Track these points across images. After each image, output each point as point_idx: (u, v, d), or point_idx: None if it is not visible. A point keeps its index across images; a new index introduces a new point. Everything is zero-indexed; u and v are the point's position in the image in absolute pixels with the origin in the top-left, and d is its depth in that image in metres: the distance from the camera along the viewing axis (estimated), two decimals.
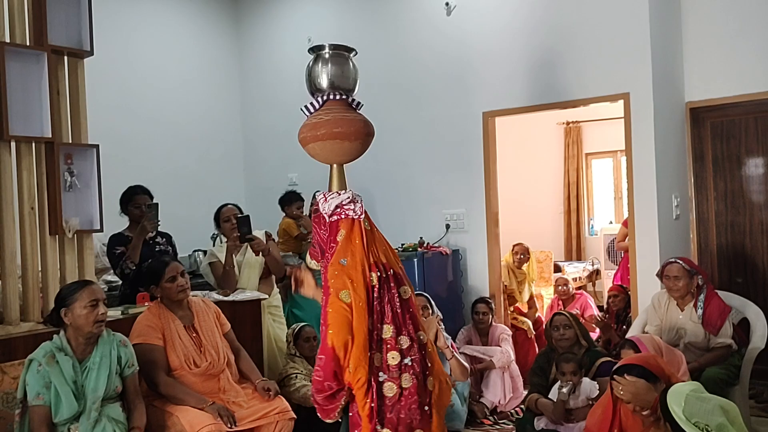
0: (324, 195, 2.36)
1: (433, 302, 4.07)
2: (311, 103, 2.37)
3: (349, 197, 2.34)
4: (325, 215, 2.32)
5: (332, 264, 2.24)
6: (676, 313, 3.71)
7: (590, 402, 3.23)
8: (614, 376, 2.59)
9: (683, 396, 2.28)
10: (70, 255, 3.26)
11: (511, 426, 4.16)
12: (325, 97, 2.36)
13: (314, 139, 2.32)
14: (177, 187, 5.51)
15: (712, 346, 3.56)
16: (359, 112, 2.43)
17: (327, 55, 2.39)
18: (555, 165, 8.49)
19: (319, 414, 2.26)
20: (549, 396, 3.41)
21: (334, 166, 2.43)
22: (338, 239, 2.28)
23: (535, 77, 4.75)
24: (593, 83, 4.52)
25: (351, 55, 2.45)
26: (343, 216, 2.32)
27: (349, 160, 2.42)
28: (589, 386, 3.32)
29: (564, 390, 3.27)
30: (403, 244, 4.99)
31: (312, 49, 2.41)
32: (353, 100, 2.42)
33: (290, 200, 4.91)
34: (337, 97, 2.36)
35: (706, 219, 4.99)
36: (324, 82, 2.37)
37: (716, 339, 3.55)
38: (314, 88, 2.41)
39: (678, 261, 3.71)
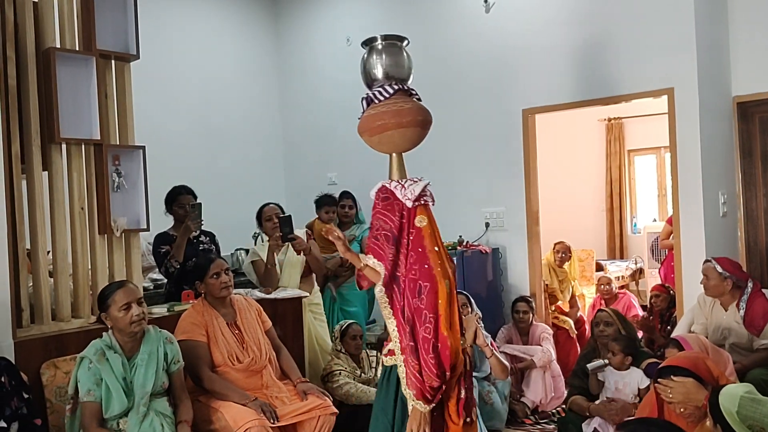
0: (400, 183, 2.42)
1: (472, 300, 4.06)
2: (379, 92, 2.43)
3: (428, 183, 2.44)
4: (406, 201, 2.37)
5: (431, 251, 2.34)
6: (720, 313, 3.64)
7: (637, 397, 3.25)
8: (659, 379, 2.52)
9: (737, 398, 2.21)
10: (118, 253, 3.35)
11: (552, 426, 4.12)
12: (396, 87, 2.43)
13: (398, 126, 2.38)
14: (219, 187, 5.61)
15: (756, 348, 3.47)
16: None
17: (380, 47, 2.44)
18: (596, 162, 8.37)
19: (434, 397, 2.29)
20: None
21: (394, 155, 2.50)
22: (417, 224, 2.37)
23: (575, 73, 4.69)
24: (636, 78, 4.44)
25: (404, 44, 2.50)
26: (422, 202, 2.41)
27: (413, 147, 2.50)
28: (638, 376, 3.33)
29: (590, 365, 3.42)
30: None
31: (365, 42, 2.48)
32: (412, 89, 2.51)
33: (320, 204, 4.78)
34: (404, 87, 2.45)
35: (754, 216, 4.85)
36: (379, 72, 2.44)
37: (759, 340, 3.46)
38: (370, 79, 2.48)
39: (711, 261, 3.66)
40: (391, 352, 2.43)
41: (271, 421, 2.87)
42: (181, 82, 5.67)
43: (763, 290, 3.70)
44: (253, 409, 2.88)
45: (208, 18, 5.99)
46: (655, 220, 7.98)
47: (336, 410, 3.11)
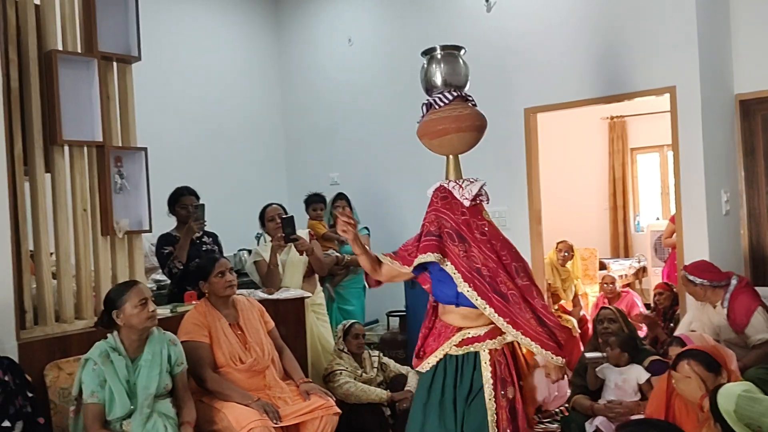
0: (458, 183, 2.57)
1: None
2: (439, 98, 2.57)
3: (484, 183, 2.59)
4: (465, 201, 2.52)
5: (507, 239, 2.58)
6: (711, 311, 3.67)
7: (638, 393, 3.28)
8: (676, 363, 2.57)
9: (735, 396, 2.23)
10: (121, 255, 3.36)
11: (555, 425, 4.12)
12: (455, 93, 2.57)
13: (458, 130, 2.55)
14: (221, 188, 5.62)
15: (753, 345, 3.47)
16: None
17: (439, 56, 2.61)
18: (599, 161, 8.35)
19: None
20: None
21: (451, 157, 2.65)
22: (486, 218, 2.56)
23: (578, 72, 4.68)
24: (638, 77, 4.43)
25: (461, 53, 2.66)
26: (477, 201, 2.56)
27: (468, 150, 2.67)
28: (637, 372, 3.34)
29: (588, 354, 3.48)
30: None
31: (425, 52, 2.64)
32: (469, 96, 2.66)
33: (308, 202, 5.02)
34: (462, 93, 2.60)
35: (757, 214, 4.84)
36: (438, 80, 2.59)
37: (755, 336, 3.46)
38: (430, 86, 2.63)
39: (683, 270, 3.72)
40: (475, 339, 2.50)
41: (274, 421, 2.88)
42: (183, 84, 5.67)
43: (758, 288, 3.70)
44: (255, 410, 2.89)
45: (209, 19, 6.00)
46: (658, 219, 7.95)
47: (339, 410, 3.12)
